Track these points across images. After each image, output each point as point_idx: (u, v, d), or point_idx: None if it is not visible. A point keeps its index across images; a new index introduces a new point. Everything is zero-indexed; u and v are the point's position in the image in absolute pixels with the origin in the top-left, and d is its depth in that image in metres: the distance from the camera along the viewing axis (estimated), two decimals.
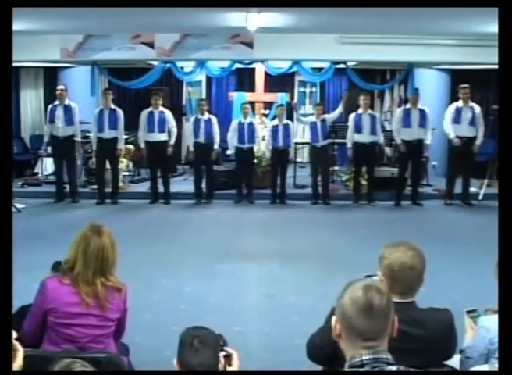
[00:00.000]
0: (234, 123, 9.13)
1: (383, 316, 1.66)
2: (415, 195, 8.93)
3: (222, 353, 1.94)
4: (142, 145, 9.07)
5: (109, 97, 8.85)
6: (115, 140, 8.83)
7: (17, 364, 1.93)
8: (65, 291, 2.54)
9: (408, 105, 8.94)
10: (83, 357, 1.66)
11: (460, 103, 8.70)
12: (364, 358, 1.63)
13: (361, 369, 1.61)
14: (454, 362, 2.42)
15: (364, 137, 8.81)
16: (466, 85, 8.63)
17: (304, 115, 12.01)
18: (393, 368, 1.62)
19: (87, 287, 2.52)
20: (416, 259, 2.19)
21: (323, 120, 8.92)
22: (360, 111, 8.88)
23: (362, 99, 8.87)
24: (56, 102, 8.86)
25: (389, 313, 1.68)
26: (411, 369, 1.67)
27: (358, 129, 8.80)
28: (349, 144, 8.96)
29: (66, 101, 8.80)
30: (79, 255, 2.55)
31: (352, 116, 8.94)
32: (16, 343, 1.99)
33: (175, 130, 9.04)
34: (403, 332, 2.11)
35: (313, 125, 8.93)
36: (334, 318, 1.72)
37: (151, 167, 9.13)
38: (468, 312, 2.63)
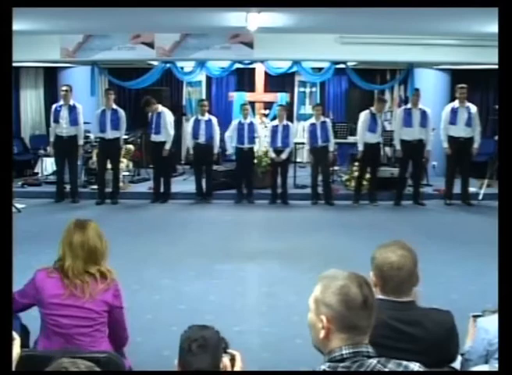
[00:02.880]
0: (234, 123, 9.13)
1: (374, 310, 1.68)
2: (417, 195, 8.93)
3: (227, 356, 1.93)
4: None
5: (111, 97, 8.84)
6: (117, 140, 8.83)
7: (15, 352, 1.97)
8: (51, 283, 2.58)
9: (409, 105, 8.95)
10: (82, 357, 1.65)
11: (456, 103, 8.71)
12: (344, 352, 1.62)
13: (342, 364, 1.60)
14: (455, 364, 2.41)
15: (375, 138, 8.80)
16: (463, 85, 8.63)
17: (304, 115, 12.06)
18: (374, 361, 1.61)
19: (77, 280, 2.56)
20: (405, 259, 2.17)
21: (323, 122, 8.90)
22: (374, 111, 8.82)
23: (382, 102, 8.96)
24: (61, 102, 8.84)
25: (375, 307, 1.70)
26: (404, 363, 1.66)
27: (372, 129, 8.75)
28: (360, 147, 8.82)
29: (71, 102, 8.78)
30: (66, 250, 2.61)
31: (366, 116, 8.81)
32: (12, 332, 2.03)
33: (170, 132, 8.98)
34: (401, 331, 2.11)
35: (312, 127, 8.90)
36: (321, 318, 1.66)
37: (154, 167, 9.16)
38: (474, 316, 2.60)
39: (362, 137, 8.80)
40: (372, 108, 8.85)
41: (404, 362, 1.64)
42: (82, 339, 2.55)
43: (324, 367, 1.63)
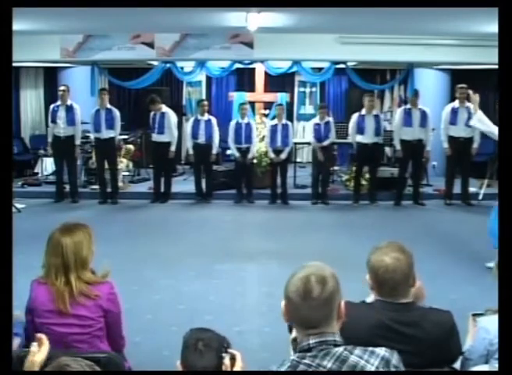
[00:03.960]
0: (232, 124, 9.10)
1: (324, 304, 1.69)
2: (417, 195, 8.94)
3: (228, 356, 1.93)
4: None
5: (105, 97, 8.84)
6: (112, 140, 8.84)
7: (41, 357, 1.95)
8: (43, 291, 2.54)
9: (409, 105, 8.97)
10: (82, 357, 1.65)
11: (456, 103, 8.72)
12: (310, 341, 1.68)
13: (309, 354, 1.66)
14: (455, 363, 2.41)
15: (367, 138, 8.82)
16: (463, 85, 8.64)
17: (304, 115, 12.05)
18: (340, 349, 1.66)
19: (62, 287, 2.50)
20: (399, 262, 2.16)
21: (327, 123, 8.91)
22: (363, 112, 8.87)
23: (368, 100, 8.87)
24: (58, 102, 8.85)
25: (332, 301, 1.71)
26: (370, 348, 1.72)
27: (361, 130, 8.80)
28: (354, 145, 9.04)
29: (68, 102, 8.77)
30: (48, 257, 2.55)
31: (355, 117, 8.91)
32: (43, 337, 2.02)
33: (174, 134, 9.00)
34: (399, 332, 2.11)
35: (316, 127, 8.90)
36: (283, 302, 1.78)
37: (155, 167, 9.16)
38: (474, 315, 2.60)
39: (353, 138, 8.98)
40: (363, 110, 8.89)
41: (370, 348, 1.69)
42: (79, 346, 2.52)
43: (293, 357, 1.70)
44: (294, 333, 1.90)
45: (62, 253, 2.52)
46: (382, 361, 1.67)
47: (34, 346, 1.97)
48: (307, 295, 1.69)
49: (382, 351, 1.70)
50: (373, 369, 1.64)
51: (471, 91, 5.64)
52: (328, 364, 1.63)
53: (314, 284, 1.70)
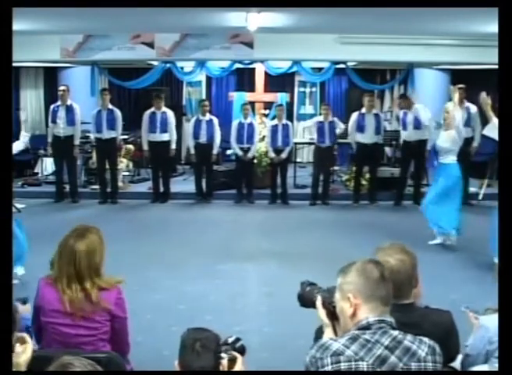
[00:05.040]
0: (234, 124, 9.11)
1: (390, 283, 1.91)
2: (418, 195, 8.94)
3: (227, 357, 1.93)
4: (145, 147, 9.08)
5: (107, 97, 8.86)
6: (113, 140, 8.84)
7: (26, 356, 1.94)
8: (50, 290, 2.55)
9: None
10: (83, 357, 1.65)
11: None
12: (370, 320, 1.79)
13: (368, 331, 1.78)
14: (455, 363, 2.42)
15: (367, 138, 8.82)
16: (462, 85, 8.63)
17: (304, 115, 12.04)
18: (396, 332, 1.80)
19: (67, 290, 2.51)
20: (403, 263, 2.18)
21: (331, 122, 8.90)
22: (363, 111, 8.88)
23: (367, 100, 8.88)
24: (58, 103, 8.86)
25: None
26: (418, 337, 1.84)
27: (361, 129, 8.81)
28: (354, 145, 9.07)
29: (68, 102, 8.79)
30: (60, 264, 2.54)
31: (355, 116, 8.93)
32: (25, 335, 2.00)
33: (174, 132, 9.03)
34: None
35: (320, 125, 8.90)
36: (348, 296, 1.84)
37: (153, 167, 9.15)
38: (468, 310, 2.62)
39: (352, 137, 8.99)
40: (363, 109, 8.90)
41: (418, 337, 1.84)
42: (84, 347, 2.52)
43: (352, 331, 1.79)
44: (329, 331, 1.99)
45: (75, 262, 2.50)
46: (430, 348, 1.82)
47: (17, 347, 1.94)
48: (382, 276, 1.86)
49: (427, 340, 1.84)
50: (423, 354, 1.79)
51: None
52: (385, 342, 1.76)
53: (383, 268, 1.91)
